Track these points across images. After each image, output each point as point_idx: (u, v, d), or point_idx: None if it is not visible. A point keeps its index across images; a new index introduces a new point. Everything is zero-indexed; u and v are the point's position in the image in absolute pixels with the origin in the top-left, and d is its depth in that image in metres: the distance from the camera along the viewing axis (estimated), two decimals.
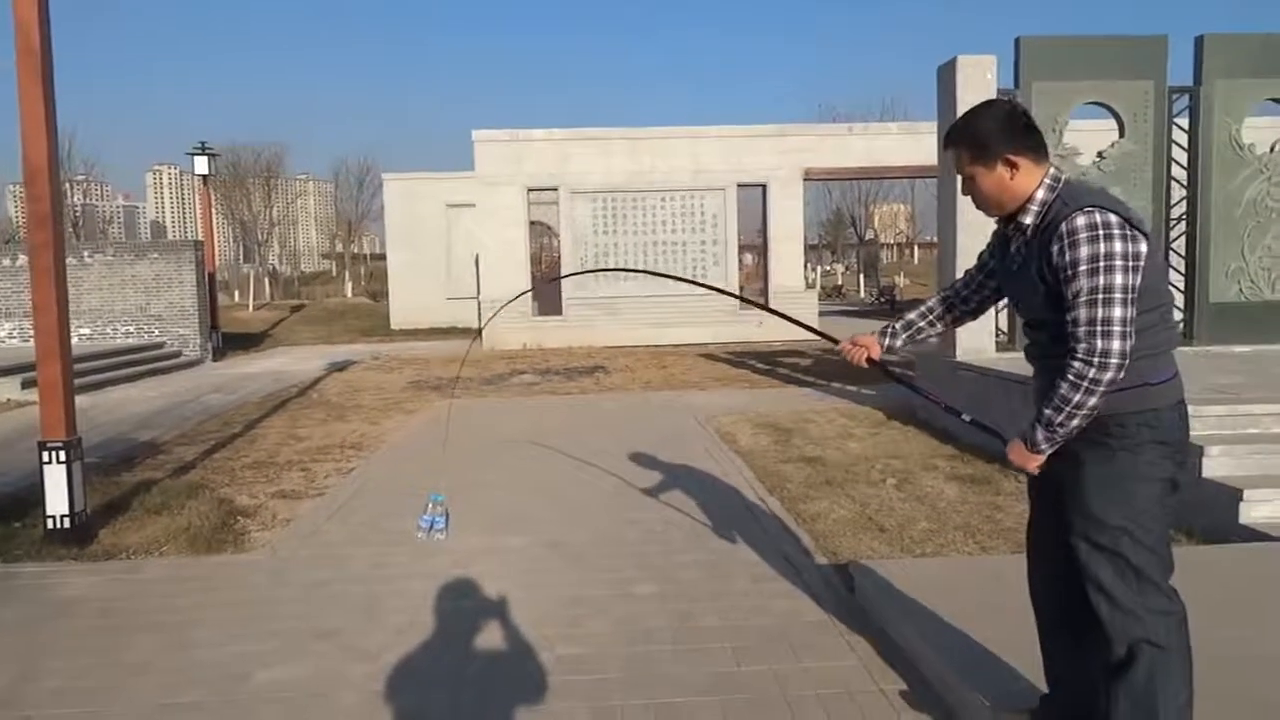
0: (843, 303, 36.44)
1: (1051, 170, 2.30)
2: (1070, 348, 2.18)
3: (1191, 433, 5.31)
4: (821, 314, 21.25)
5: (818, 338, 3.32)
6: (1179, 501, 4.85)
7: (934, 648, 3.30)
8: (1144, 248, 2.14)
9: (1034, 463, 2.33)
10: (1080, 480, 2.28)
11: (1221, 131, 8.29)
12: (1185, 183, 8.49)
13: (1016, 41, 8.18)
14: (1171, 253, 8.49)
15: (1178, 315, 8.64)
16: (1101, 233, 2.12)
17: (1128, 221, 2.14)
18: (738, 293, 19.26)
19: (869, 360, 2.81)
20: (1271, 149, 8.49)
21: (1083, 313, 2.14)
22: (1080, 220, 2.14)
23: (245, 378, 14.42)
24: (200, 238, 18.91)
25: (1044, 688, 2.66)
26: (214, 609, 4.23)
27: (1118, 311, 2.11)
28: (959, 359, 8.22)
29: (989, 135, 2.29)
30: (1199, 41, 8.29)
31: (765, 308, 2.89)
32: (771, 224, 19.21)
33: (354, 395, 11.77)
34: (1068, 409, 2.18)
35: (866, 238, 50.91)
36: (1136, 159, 8.20)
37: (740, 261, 22.58)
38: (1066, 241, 2.15)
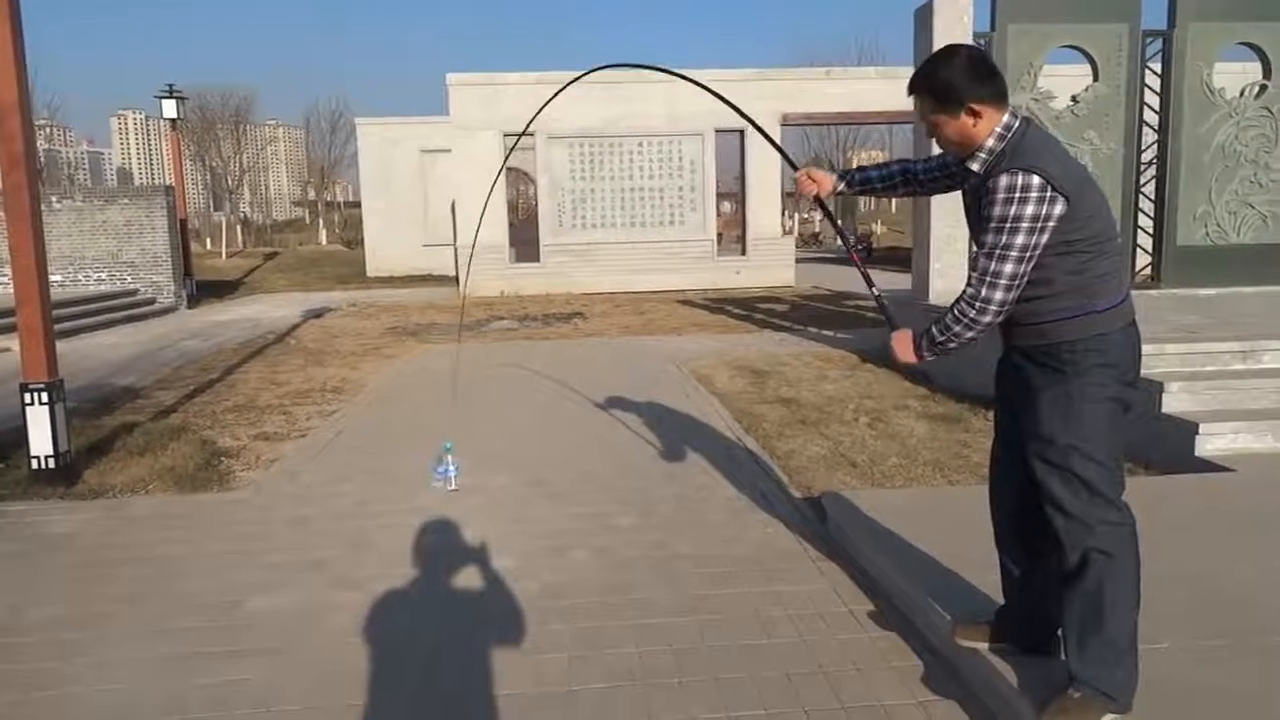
0: (820, 249, 36.54)
1: (1005, 118, 2.40)
2: (964, 286, 2.41)
3: (1153, 370, 5.51)
4: (799, 260, 21.33)
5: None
6: (1146, 434, 5.06)
7: (899, 570, 3.46)
8: (1060, 209, 2.29)
9: (909, 359, 2.57)
10: (1033, 403, 2.43)
11: (1193, 75, 8.38)
12: (1156, 126, 8.58)
13: None
14: (1141, 196, 8.62)
15: (1146, 258, 8.82)
16: (1018, 195, 2.28)
17: (1049, 183, 2.28)
18: (716, 239, 19.29)
19: (816, 197, 2.98)
20: (1241, 94, 8.59)
21: (981, 261, 2.37)
22: (1003, 180, 2.31)
23: (221, 324, 14.36)
24: (171, 183, 18.62)
25: (1001, 601, 2.82)
26: (202, 544, 4.32)
27: (1008, 268, 2.32)
28: (930, 303, 8.35)
29: (952, 84, 2.39)
30: None
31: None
32: (749, 170, 19.16)
33: (332, 341, 11.78)
34: (948, 334, 2.45)
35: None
36: (1109, 102, 8.28)
37: (718, 209, 22.60)
38: (989, 196, 2.34)
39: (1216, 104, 8.46)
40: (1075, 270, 2.36)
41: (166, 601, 3.65)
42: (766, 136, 3.68)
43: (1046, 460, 2.39)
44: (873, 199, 60.91)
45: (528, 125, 5.41)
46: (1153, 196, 8.70)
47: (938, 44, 8.05)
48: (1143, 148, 8.58)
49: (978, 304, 2.36)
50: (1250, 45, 8.49)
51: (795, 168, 3.09)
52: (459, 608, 3.56)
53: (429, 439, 6.34)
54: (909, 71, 9.70)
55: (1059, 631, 2.48)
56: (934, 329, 2.48)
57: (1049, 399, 2.40)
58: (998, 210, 2.30)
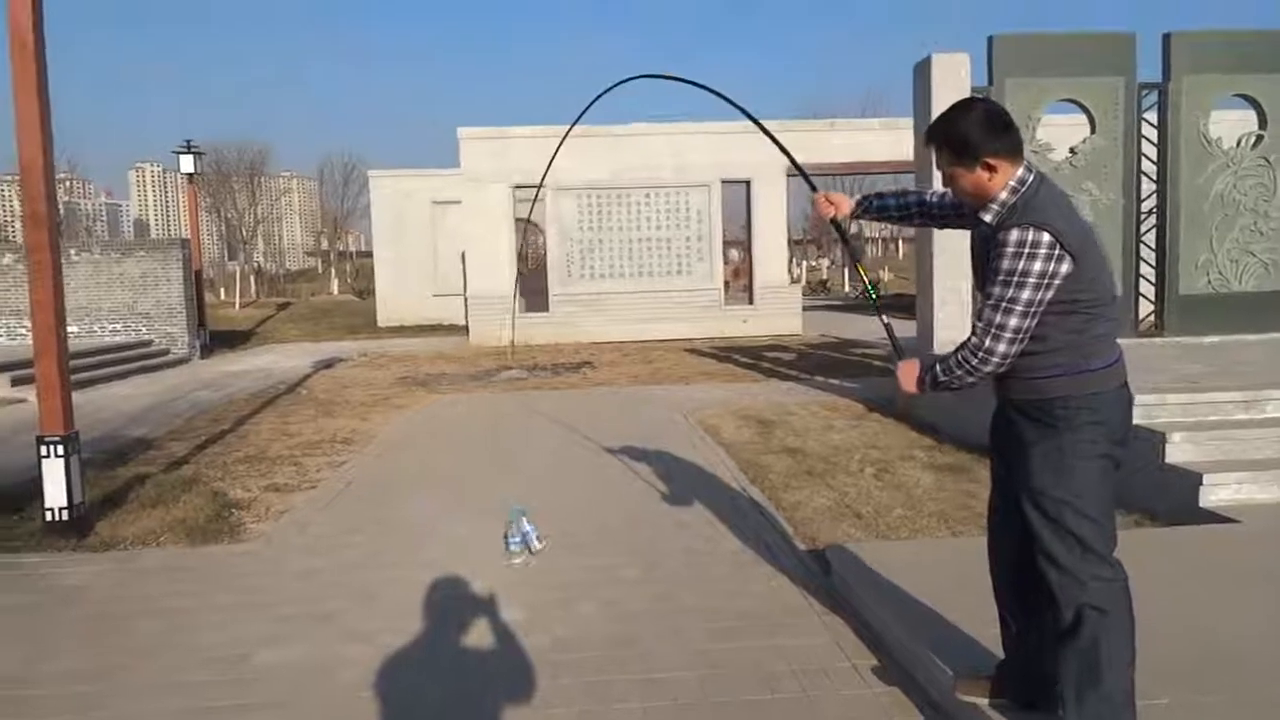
0: (828, 297, 36.70)
1: (1019, 172, 2.47)
2: (970, 333, 2.47)
3: (1155, 420, 5.54)
4: (806, 308, 21.45)
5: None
6: (1149, 485, 5.09)
7: (903, 624, 3.48)
8: (1065, 267, 2.36)
9: (910, 389, 2.65)
10: (1027, 458, 2.48)
11: (1189, 126, 8.51)
12: (1155, 177, 8.70)
13: (990, 40, 8.37)
14: (1142, 245, 8.70)
15: (1149, 307, 8.88)
16: (1027, 251, 2.35)
17: (1059, 241, 2.35)
18: (723, 287, 19.44)
19: (833, 220, 3.05)
20: (1238, 143, 8.71)
21: (987, 312, 2.42)
22: (1014, 235, 2.37)
23: (233, 375, 14.50)
24: (187, 235, 18.93)
25: (1002, 655, 2.84)
26: (212, 596, 4.37)
27: (1013, 321, 2.38)
28: (936, 353, 8.41)
29: (969, 139, 2.46)
30: (1166, 39, 8.50)
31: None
32: (756, 220, 19.37)
33: (342, 392, 11.89)
34: (950, 376, 2.52)
35: (851, 233, 51.17)
36: (1107, 154, 8.41)
37: (726, 257, 22.78)
38: (998, 249, 2.40)
39: (1214, 154, 8.58)
40: (1074, 330, 2.42)
41: (177, 655, 3.69)
42: (786, 153, 3.60)
43: (1040, 515, 2.44)
44: (879, 247, 61.29)
45: (559, 145, 5.37)
46: (1154, 245, 8.79)
47: (935, 97, 8.25)
48: (1142, 197, 8.69)
49: (980, 354, 2.42)
50: (1245, 96, 8.64)
51: (814, 189, 3.15)
52: (468, 662, 3.59)
53: (438, 489, 6.41)
54: (910, 123, 9.75)
55: (1057, 688, 2.50)
56: (938, 368, 2.55)
57: (1041, 453, 2.45)
58: (1006, 264, 2.36)
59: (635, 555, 4.81)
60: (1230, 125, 9.53)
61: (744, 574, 4.50)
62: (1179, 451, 5.21)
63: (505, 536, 4.95)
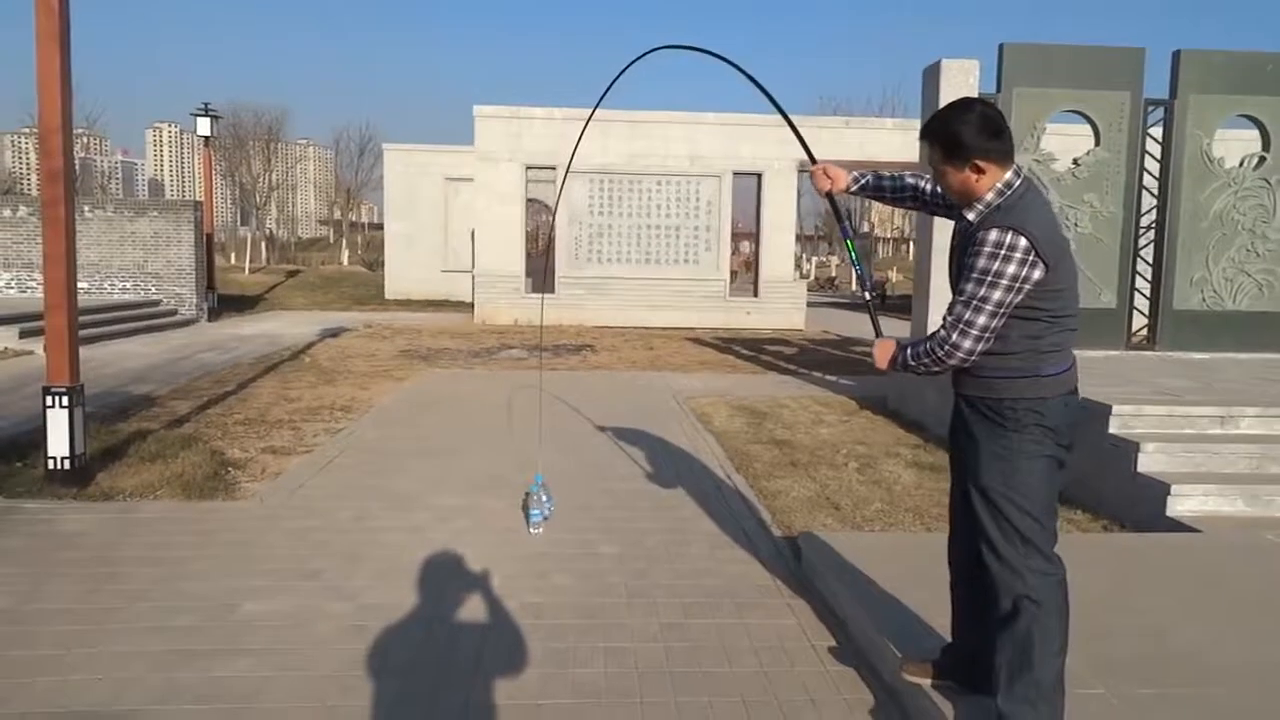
0: (835, 294, 36.76)
1: (1008, 175, 2.55)
2: (939, 325, 2.57)
3: (1131, 430, 5.65)
4: (811, 304, 21.56)
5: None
6: (1120, 493, 5.21)
7: (862, 609, 3.62)
8: (1039, 274, 2.45)
9: (882, 367, 2.78)
10: (977, 453, 2.61)
11: (1193, 144, 8.58)
12: (1156, 192, 8.78)
13: (1000, 48, 8.44)
14: (1139, 259, 8.79)
15: (1142, 320, 8.98)
16: (1003, 253, 2.44)
17: (1034, 247, 2.44)
18: (727, 278, 19.54)
19: (828, 193, 3.06)
20: (1240, 163, 8.78)
21: (958, 308, 2.52)
22: (992, 235, 2.46)
23: (239, 339, 14.68)
24: (200, 198, 19.09)
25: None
26: (205, 548, 4.54)
27: (981, 320, 2.48)
28: None
29: (961, 139, 2.53)
30: (1175, 57, 8.56)
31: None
32: (765, 213, 19.46)
33: (345, 361, 12.05)
34: (918, 362, 2.63)
35: (861, 231, 51.15)
36: (1110, 167, 8.49)
37: (736, 248, 22.85)
38: (976, 247, 2.49)
39: (1215, 173, 8.65)
40: (1034, 335, 2.53)
41: (166, 601, 3.85)
42: (789, 120, 3.53)
43: (986, 508, 2.57)
44: (890, 247, 61.20)
45: (583, 128, 5.44)
46: (1150, 260, 8.87)
47: (944, 101, 8.31)
48: (1142, 212, 8.77)
49: (946, 347, 2.52)
50: (1250, 117, 8.70)
51: (814, 160, 3.18)
52: (439, 619, 3.74)
53: (430, 459, 6.56)
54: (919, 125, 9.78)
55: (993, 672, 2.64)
56: (909, 352, 2.66)
57: (990, 451, 2.58)
58: (982, 262, 2.44)
59: (615, 532, 4.96)
60: (1238, 145, 9.59)
61: (718, 555, 4.65)
62: (1151, 462, 5.33)
63: (525, 509, 5.14)
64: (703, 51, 4.06)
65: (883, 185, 3.09)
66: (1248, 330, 8.69)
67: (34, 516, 4.98)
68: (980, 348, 2.51)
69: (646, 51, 4.29)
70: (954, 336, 2.50)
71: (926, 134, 2.64)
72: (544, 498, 5.06)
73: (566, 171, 6.62)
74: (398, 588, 4.07)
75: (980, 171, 2.53)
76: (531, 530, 4.93)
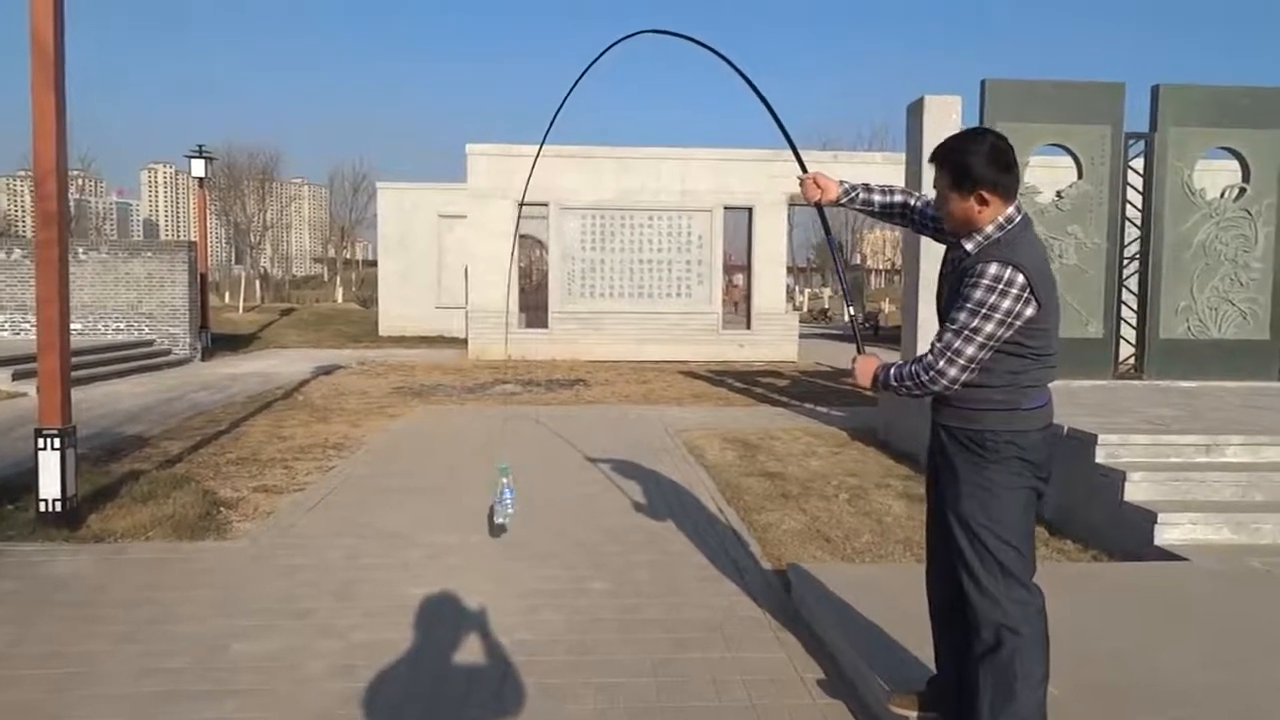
0: (828, 325, 36.91)
1: (1009, 210, 2.59)
2: (927, 350, 2.58)
3: (1118, 460, 5.70)
4: (804, 336, 21.65)
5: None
6: (1107, 522, 5.25)
7: (849, 640, 3.64)
8: (1031, 311, 2.49)
9: (864, 384, 2.77)
10: (957, 483, 2.65)
11: (1174, 176, 8.72)
12: (1139, 224, 8.90)
13: (983, 83, 8.60)
14: (1124, 289, 8.89)
15: (1128, 350, 9.06)
16: (1001, 287, 2.48)
17: (1030, 285, 2.48)
18: (718, 310, 19.63)
19: (818, 203, 3.07)
20: (1221, 195, 8.92)
21: (948, 336, 2.54)
22: (992, 269, 2.49)
23: (232, 378, 14.70)
24: (194, 239, 19.19)
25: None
26: (196, 589, 4.53)
27: (970, 350, 2.51)
28: None
29: (971, 169, 2.56)
30: (1155, 91, 8.73)
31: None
32: (756, 247, 19.62)
33: (338, 399, 12.07)
34: (900, 384, 2.65)
35: (854, 263, 51.51)
36: (1093, 199, 8.62)
37: (729, 281, 22.98)
38: (974, 278, 2.52)
39: (1197, 204, 8.78)
40: (1016, 370, 2.57)
41: (156, 643, 3.85)
42: (781, 126, 3.50)
43: (966, 538, 2.60)
44: (882, 279, 61.55)
45: (551, 121, 4.90)
46: (1136, 290, 8.97)
47: (928, 137, 8.47)
48: (1126, 243, 8.89)
49: (932, 373, 2.55)
50: (1229, 150, 8.85)
51: (804, 169, 3.16)
52: (429, 657, 3.75)
53: (420, 497, 6.57)
54: (903, 159, 9.84)
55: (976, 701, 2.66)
56: (892, 371, 2.67)
57: (970, 482, 2.62)
58: (978, 294, 2.47)
59: (606, 568, 4.97)
60: (1215, 175, 9.73)
61: (708, 589, 4.66)
62: (1138, 491, 5.37)
63: (493, 506, 5.47)
64: (691, 40, 3.89)
65: (873, 199, 3.08)
66: (1234, 358, 8.77)
67: (25, 559, 4.98)
68: (965, 377, 2.54)
69: (626, 35, 4.17)
70: (940, 364, 2.53)
71: (936, 158, 2.66)
72: (506, 496, 5.33)
73: (523, 201, 6.66)
74: (387, 626, 4.07)
75: (985, 203, 2.55)
76: (497, 520, 5.33)
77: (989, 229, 2.59)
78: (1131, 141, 8.81)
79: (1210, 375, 8.69)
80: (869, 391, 2.82)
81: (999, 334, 2.49)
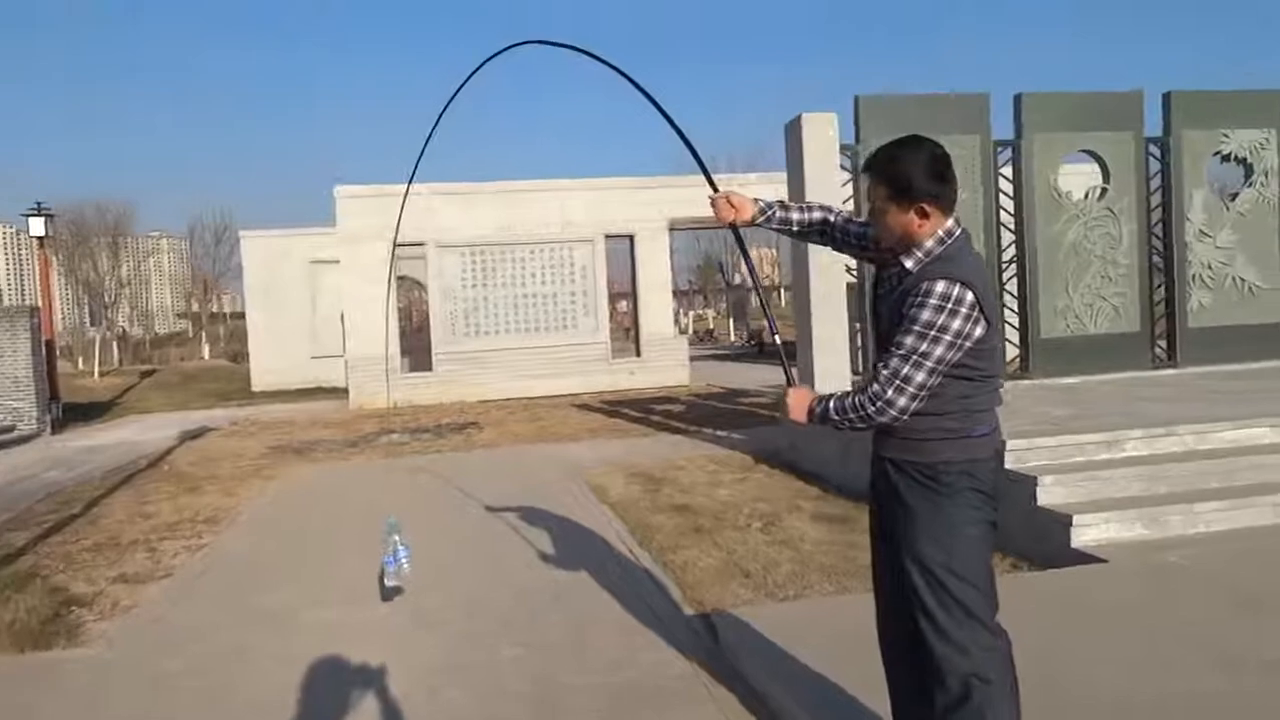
0: (714, 345, 37.27)
1: (948, 224, 2.40)
2: (872, 378, 2.36)
3: (1027, 464, 5.66)
4: (693, 358, 21.64)
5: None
6: (1024, 528, 5.18)
7: (788, 692, 3.38)
8: (980, 331, 2.30)
9: (799, 419, 2.50)
10: (911, 522, 2.42)
11: (1042, 180, 9.00)
12: (1013, 228, 9.14)
13: (856, 100, 8.67)
14: (1005, 292, 9.09)
15: (1013, 350, 9.25)
16: (950, 306, 2.27)
17: (979, 303, 2.29)
18: (607, 340, 19.42)
19: (732, 224, 2.84)
20: (1086, 196, 9.27)
21: (895, 362, 2.32)
22: (939, 286, 2.29)
23: (89, 450, 13.51)
24: (37, 304, 17.70)
25: None
26: (39, 712, 3.90)
27: (920, 376, 2.30)
28: None
29: (911, 180, 2.35)
30: (1018, 99, 9.01)
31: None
32: (640, 274, 19.50)
33: (209, 464, 11.18)
34: (843, 417, 2.40)
35: (734, 283, 52.40)
36: (968, 206, 8.77)
37: (614, 309, 22.82)
38: (919, 298, 2.30)
39: (1064, 206, 9.08)
40: (964, 395, 2.38)
41: None
42: (678, 131, 3.30)
43: (924, 581, 2.37)
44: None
45: (425, 143, 4.71)
46: (1016, 292, 9.19)
47: (807, 155, 8.47)
48: (1003, 247, 9.10)
49: (879, 403, 2.32)
50: (1090, 152, 9.21)
51: (715, 188, 2.94)
52: None
53: (306, 570, 6.00)
54: (784, 177, 9.82)
55: None
56: (832, 405, 2.42)
57: (925, 520, 2.39)
58: (925, 315, 2.27)
59: (514, 631, 4.58)
60: (1082, 178, 10.12)
61: (629, 644, 4.32)
62: (1049, 494, 5.34)
63: (383, 567, 4.99)
64: (579, 51, 3.66)
65: (790, 218, 2.84)
66: (1109, 351, 9.07)
67: None
68: (915, 406, 2.32)
69: (508, 46, 3.88)
70: (889, 393, 2.30)
71: (872, 169, 2.45)
72: (400, 554, 4.93)
73: (397, 242, 6.27)
74: None
75: (925, 216, 2.36)
76: (389, 582, 4.93)
77: (929, 244, 2.39)
78: (1000, 149, 9.05)
79: (1090, 370, 8.94)
80: (801, 426, 2.54)
81: (949, 357, 2.29)
